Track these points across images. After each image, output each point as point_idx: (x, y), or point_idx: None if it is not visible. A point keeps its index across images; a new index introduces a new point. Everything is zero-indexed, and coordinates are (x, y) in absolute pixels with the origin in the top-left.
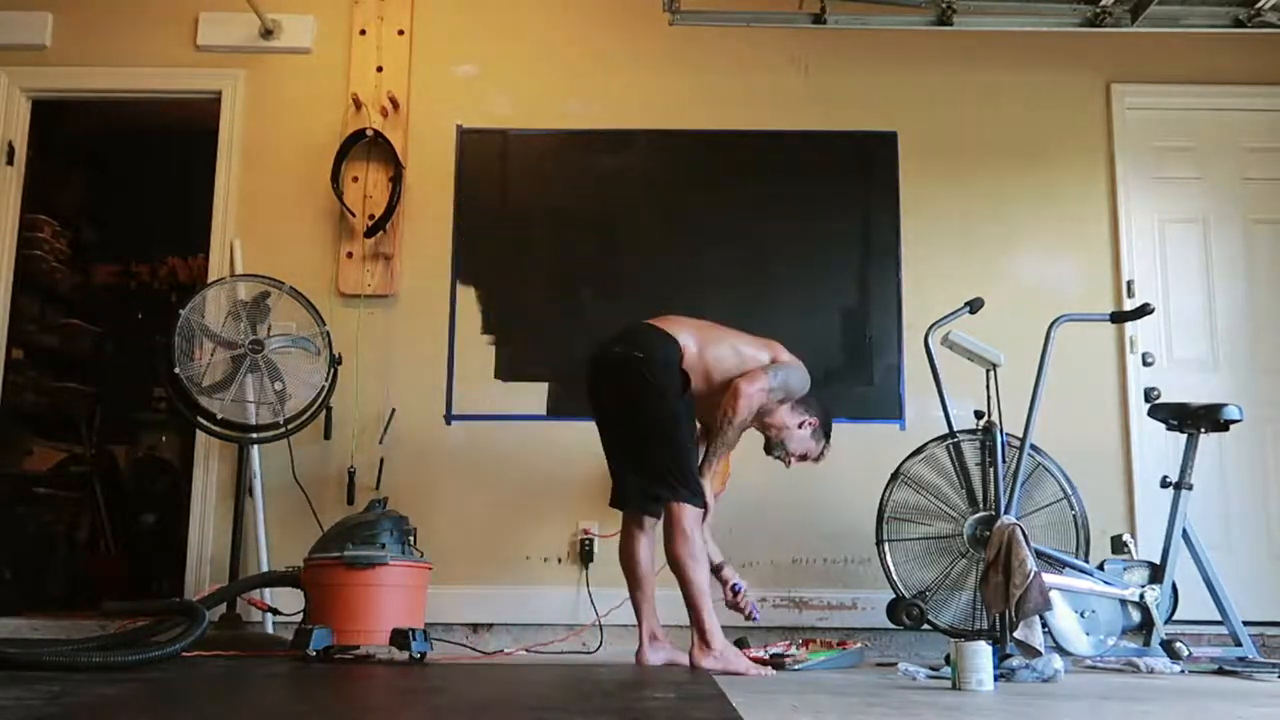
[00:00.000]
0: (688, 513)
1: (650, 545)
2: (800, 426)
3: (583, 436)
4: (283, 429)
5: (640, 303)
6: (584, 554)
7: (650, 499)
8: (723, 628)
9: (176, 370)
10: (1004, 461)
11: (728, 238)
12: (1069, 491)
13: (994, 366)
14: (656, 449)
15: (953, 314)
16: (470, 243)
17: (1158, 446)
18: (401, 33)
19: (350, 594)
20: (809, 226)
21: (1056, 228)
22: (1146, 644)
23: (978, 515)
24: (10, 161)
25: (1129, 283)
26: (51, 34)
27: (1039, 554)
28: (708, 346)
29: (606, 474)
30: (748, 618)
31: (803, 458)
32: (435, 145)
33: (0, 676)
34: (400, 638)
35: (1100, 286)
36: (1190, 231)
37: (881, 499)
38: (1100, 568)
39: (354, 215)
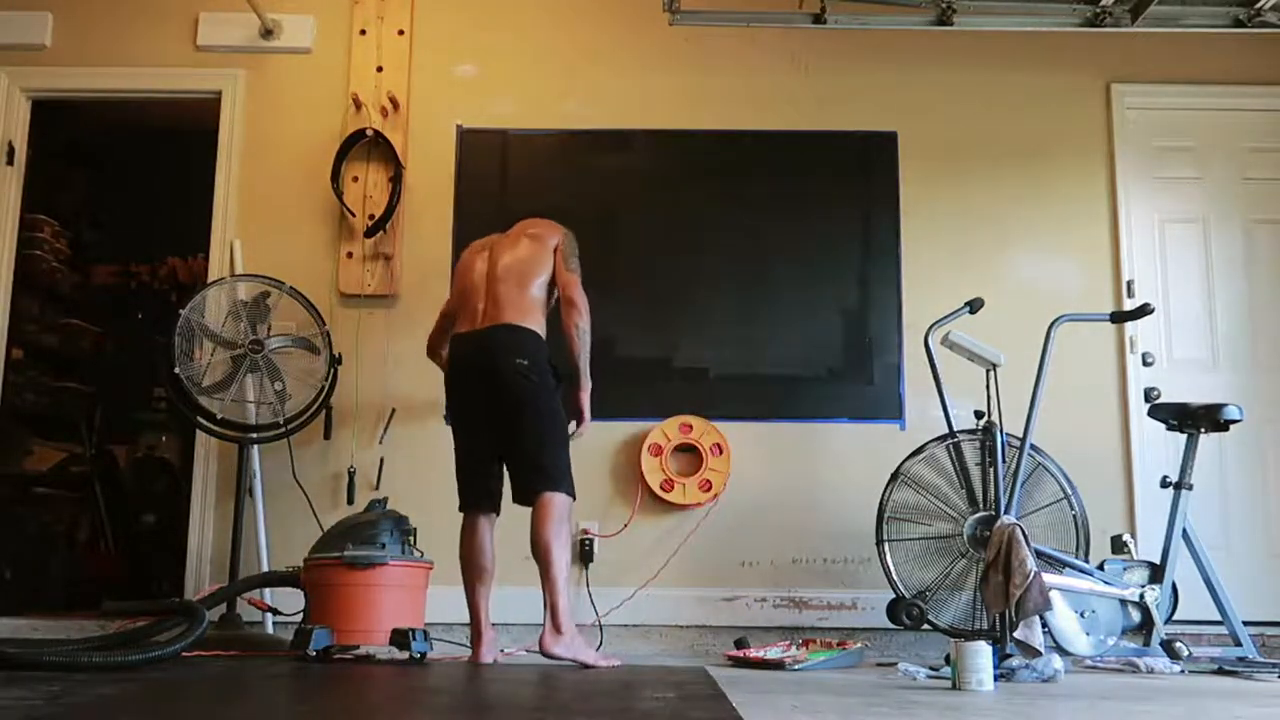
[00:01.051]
0: (567, 503)
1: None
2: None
3: (583, 436)
4: (283, 429)
5: (640, 302)
6: (584, 554)
7: (531, 492)
8: (720, 628)
9: (176, 370)
10: (1004, 461)
11: (728, 237)
12: (1069, 491)
13: (994, 366)
14: (543, 446)
15: (953, 314)
16: (470, 243)
17: (1158, 446)
18: (401, 33)
19: (350, 594)
20: (809, 226)
21: (1056, 228)
22: (1146, 644)
23: (978, 515)
24: (10, 161)
25: (1129, 283)
26: (51, 34)
27: (1039, 554)
28: (538, 301)
29: (607, 474)
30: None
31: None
32: (435, 145)
33: (0, 676)
34: (400, 638)
35: (1100, 286)
36: (1190, 231)
37: (881, 499)
38: (1100, 568)
39: (354, 215)
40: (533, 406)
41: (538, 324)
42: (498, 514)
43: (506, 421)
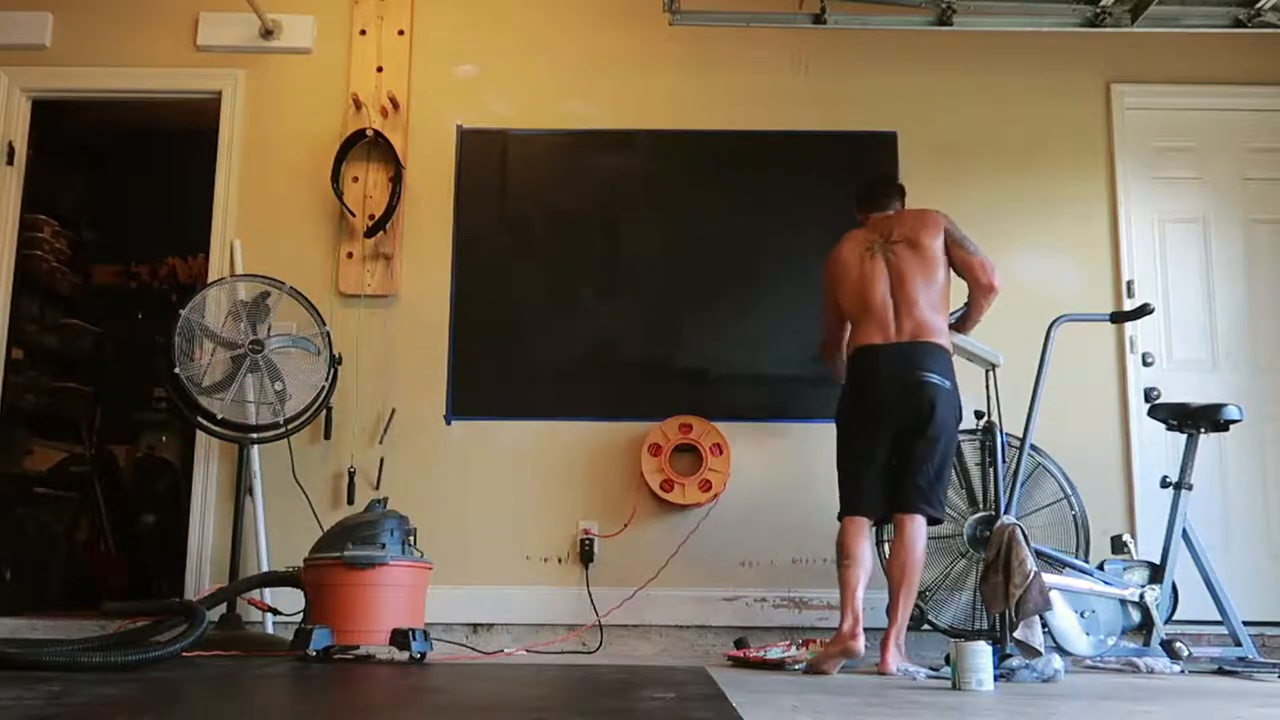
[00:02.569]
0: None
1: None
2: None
3: (583, 436)
4: (283, 429)
5: (640, 302)
6: (584, 554)
7: (919, 505)
8: (720, 628)
9: (176, 370)
10: (1004, 461)
11: (728, 237)
12: (1069, 491)
13: (994, 366)
14: (945, 466)
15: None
16: (470, 243)
17: (1158, 446)
18: (401, 33)
19: (350, 594)
20: (809, 226)
21: (1056, 227)
22: (1146, 644)
23: (978, 515)
24: (10, 161)
25: (1129, 283)
26: (51, 34)
27: (1039, 554)
28: (944, 326)
29: (607, 473)
30: None
31: None
32: (435, 145)
33: (0, 676)
34: (400, 638)
35: (1100, 286)
36: (1190, 231)
37: None
38: (1100, 568)
39: (354, 215)
40: (945, 430)
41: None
42: (920, 515)
43: (915, 432)
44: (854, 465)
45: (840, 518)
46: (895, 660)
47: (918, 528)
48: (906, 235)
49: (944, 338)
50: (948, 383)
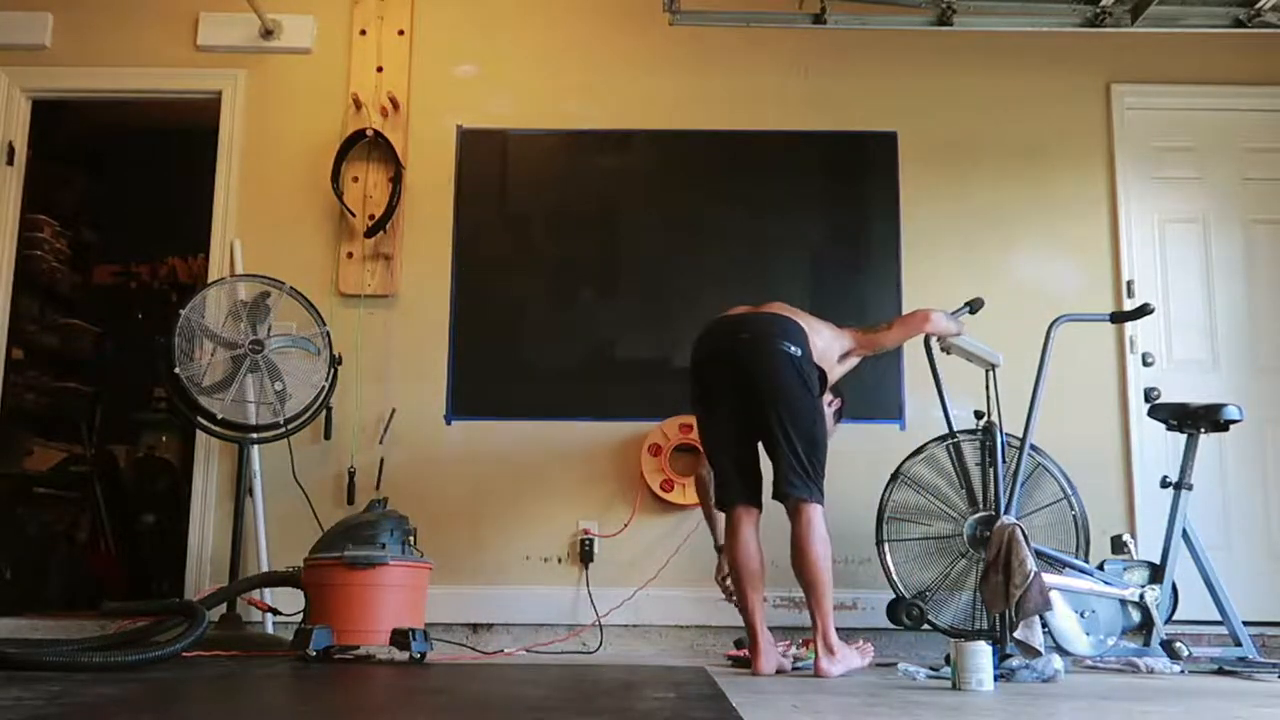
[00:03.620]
0: (821, 514)
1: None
2: (829, 405)
3: (583, 436)
4: (283, 429)
5: (640, 302)
6: (584, 554)
7: (786, 492)
8: (720, 628)
9: (177, 370)
10: (1004, 461)
11: (728, 238)
12: (1069, 491)
13: (993, 367)
14: (801, 445)
15: (953, 314)
16: (470, 243)
17: (1158, 446)
18: (401, 33)
19: (350, 594)
20: (809, 226)
21: (1057, 228)
22: (1146, 644)
23: (978, 515)
24: (10, 161)
25: (1129, 283)
26: (51, 34)
27: (1039, 554)
28: (813, 336)
29: (606, 474)
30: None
31: None
32: (435, 145)
33: (0, 676)
34: (400, 638)
35: (1100, 286)
36: (1190, 231)
37: (881, 499)
38: (1100, 568)
39: (354, 215)
40: (794, 399)
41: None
42: (780, 501)
43: (759, 408)
44: (712, 455)
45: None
46: (827, 663)
47: (803, 516)
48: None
49: (792, 313)
50: (795, 349)
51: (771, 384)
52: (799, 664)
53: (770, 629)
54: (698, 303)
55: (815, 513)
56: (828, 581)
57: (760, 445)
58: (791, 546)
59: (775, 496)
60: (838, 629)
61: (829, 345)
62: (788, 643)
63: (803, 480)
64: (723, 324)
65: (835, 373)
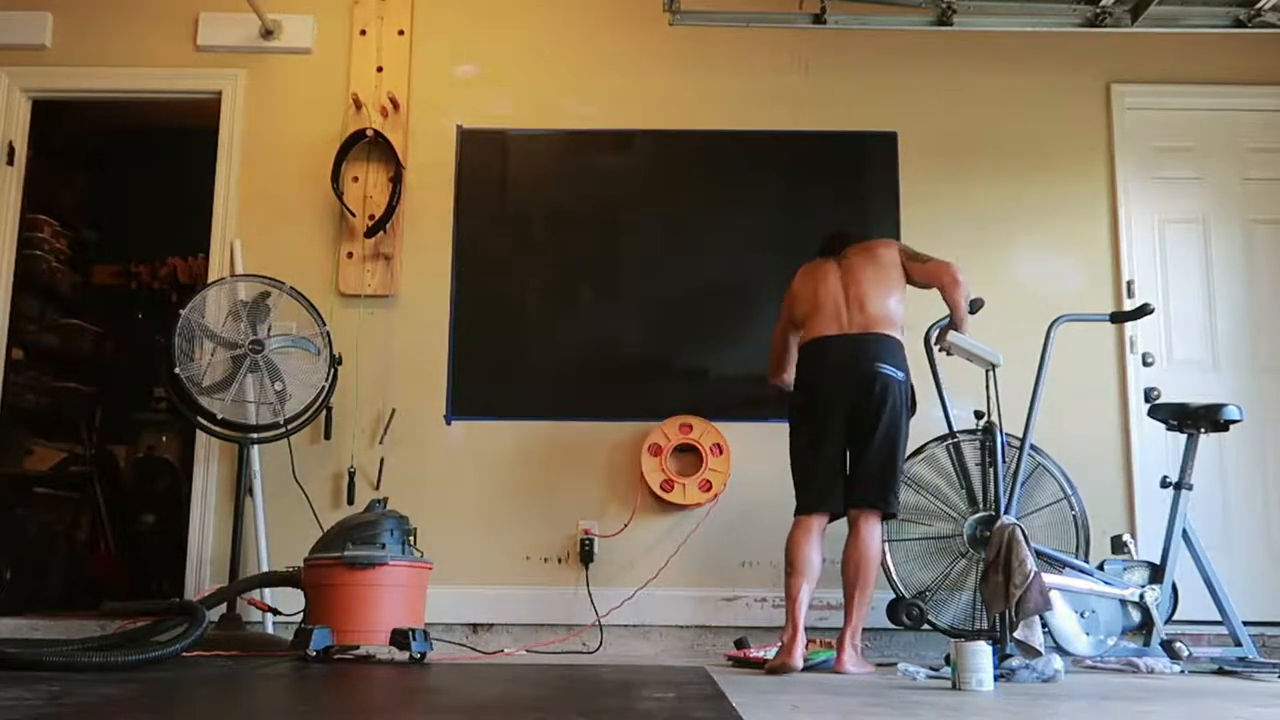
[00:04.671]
0: (882, 529)
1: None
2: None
3: (583, 436)
4: (283, 429)
5: (640, 302)
6: (584, 554)
7: (875, 502)
8: (720, 628)
9: (177, 370)
10: (1004, 461)
11: (728, 237)
12: (1069, 491)
13: (994, 366)
14: (893, 463)
15: (942, 320)
16: (470, 243)
17: (1158, 446)
18: (401, 33)
19: (350, 594)
20: (809, 226)
21: (1056, 228)
22: (1146, 644)
23: (978, 515)
24: (10, 161)
25: (1129, 283)
26: (51, 34)
27: (1039, 554)
28: (898, 322)
29: (607, 474)
30: None
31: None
32: (435, 145)
33: (0, 676)
34: (400, 638)
35: (1100, 286)
36: (1190, 231)
37: None
38: (1100, 568)
39: (354, 215)
40: (896, 424)
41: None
42: (874, 512)
43: (868, 426)
44: (806, 461)
45: (796, 515)
46: (851, 662)
47: (871, 525)
48: (859, 249)
49: (897, 330)
50: (900, 374)
51: (881, 409)
52: (807, 661)
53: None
54: (698, 302)
55: (879, 521)
56: (875, 581)
57: (849, 457)
58: (853, 546)
59: (859, 504)
60: (839, 628)
61: (900, 299)
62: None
63: (893, 494)
64: (834, 344)
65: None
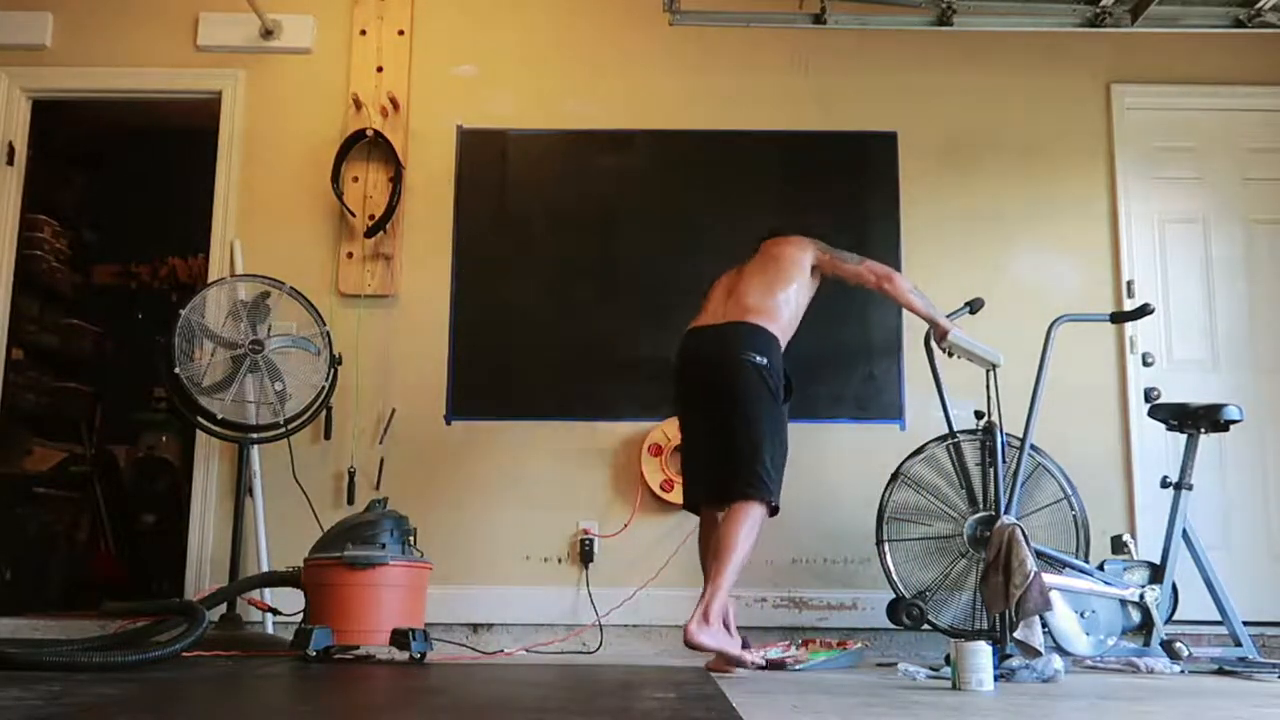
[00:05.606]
0: (762, 512)
1: None
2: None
3: (583, 436)
4: (283, 429)
5: (640, 302)
6: (584, 554)
7: (744, 493)
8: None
9: (177, 370)
10: (1004, 461)
11: (727, 238)
12: (1069, 491)
13: (994, 367)
14: (762, 449)
15: (953, 314)
16: (470, 243)
17: (1158, 446)
18: (401, 33)
19: (350, 594)
20: (809, 226)
21: (1056, 227)
22: (1146, 644)
23: (978, 515)
24: (10, 161)
25: (1129, 283)
26: (51, 34)
27: (1039, 554)
28: (781, 317)
29: (606, 474)
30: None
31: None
32: (435, 145)
33: (0, 676)
34: (400, 638)
35: (1100, 286)
36: (1190, 231)
37: (881, 499)
38: (1100, 568)
39: (354, 215)
40: (759, 408)
41: (776, 331)
42: (727, 504)
43: (727, 416)
44: (684, 455)
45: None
46: (699, 632)
47: (738, 511)
48: (768, 245)
49: (766, 319)
50: (758, 358)
51: (737, 394)
52: (798, 666)
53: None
54: (697, 303)
55: (756, 508)
56: (739, 559)
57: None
58: (721, 523)
59: (731, 497)
60: (839, 628)
61: (797, 301)
62: (787, 643)
63: (759, 483)
64: (697, 334)
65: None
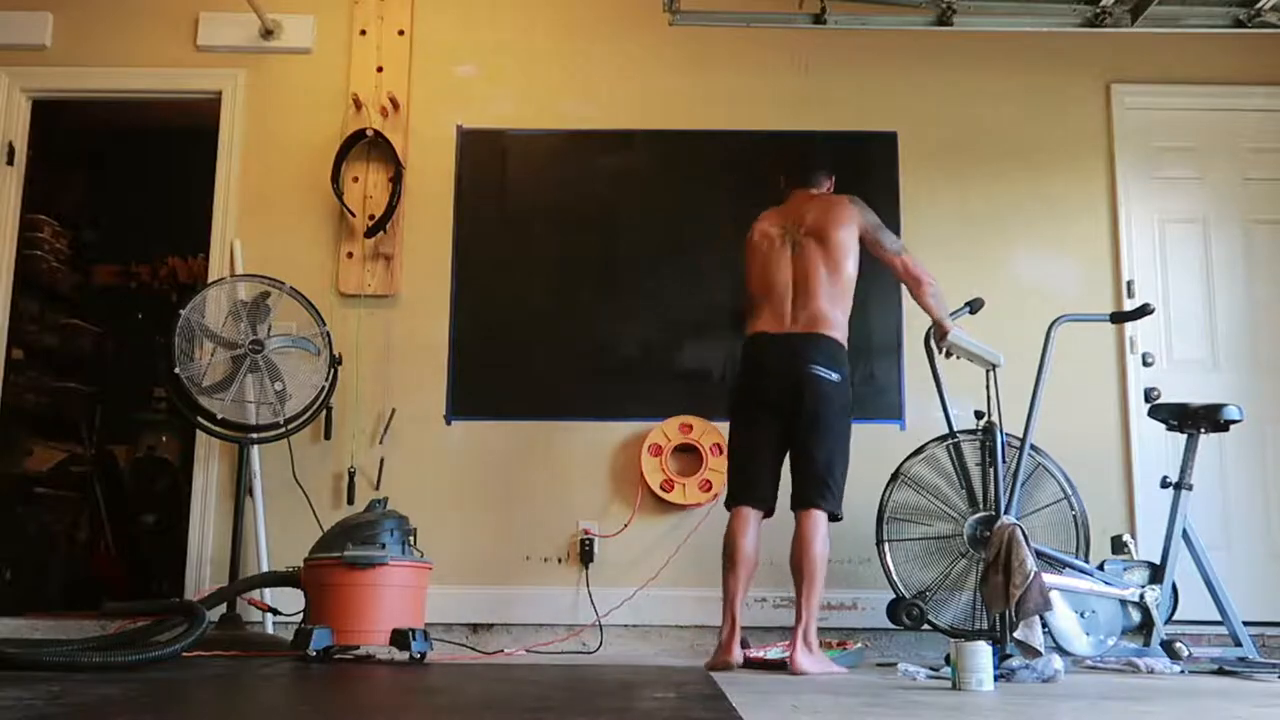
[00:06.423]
0: (827, 524)
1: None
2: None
3: (583, 436)
4: (283, 429)
5: (640, 302)
6: (584, 554)
7: (814, 499)
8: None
9: (177, 370)
10: (1004, 461)
11: (727, 238)
12: (1069, 491)
13: (994, 367)
14: (834, 459)
15: (953, 314)
16: (470, 243)
17: (1158, 446)
18: (401, 33)
19: (350, 594)
20: None
21: (1056, 228)
22: (1146, 644)
23: (978, 515)
24: (10, 161)
25: (1129, 283)
26: (51, 34)
27: (1039, 554)
28: (846, 316)
29: (606, 474)
30: None
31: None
32: (435, 145)
33: (0, 676)
34: (400, 638)
35: (1100, 286)
36: (1190, 231)
37: (881, 499)
38: (1100, 568)
39: (354, 215)
40: (834, 420)
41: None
42: (805, 510)
43: (802, 422)
44: (741, 454)
45: (727, 507)
46: (805, 659)
47: (814, 523)
48: (816, 227)
49: (838, 330)
50: (834, 375)
51: (812, 409)
52: None
53: (770, 629)
54: (697, 302)
55: (824, 519)
56: (822, 580)
57: (788, 456)
58: (797, 542)
59: (799, 505)
60: (839, 628)
61: (853, 281)
62: (787, 643)
63: (831, 495)
64: (768, 342)
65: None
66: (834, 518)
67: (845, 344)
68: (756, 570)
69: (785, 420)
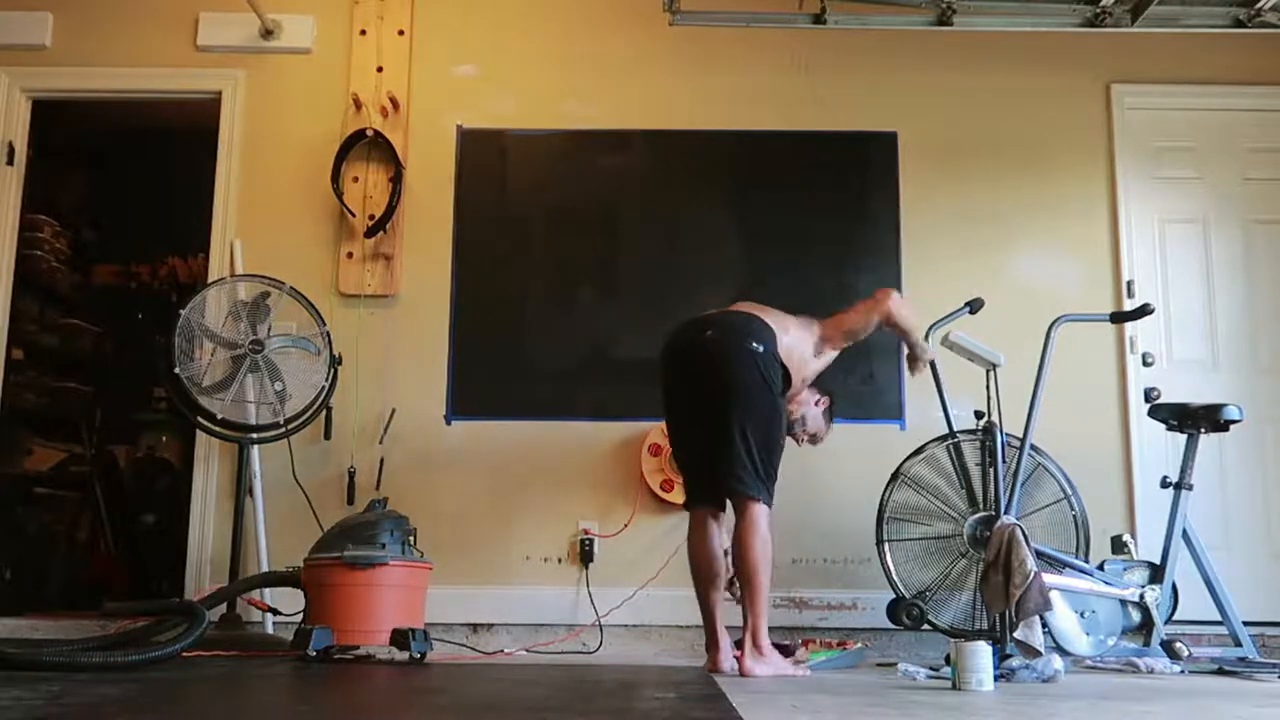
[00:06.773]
0: (767, 515)
1: (721, 541)
2: (816, 404)
3: (583, 436)
4: (283, 429)
5: (640, 302)
6: (584, 554)
7: (734, 488)
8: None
9: (177, 370)
10: (1004, 461)
11: (727, 238)
12: (1069, 491)
13: (994, 367)
14: (756, 442)
15: (953, 314)
16: (470, 243)
17: (1158, 446)
18: (401, 33)
19: (350, 594)
20: (808, 227)
21: (1056, 228)
22: (1146, 644)
23: (978, 515)
24: (10, 161)
25: (1129, 283)
26: (51, 34)
27: (1039, 554)
28: (781, 335)
29: (606, 474)
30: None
31: (812, 437)
32: (435, 145)
33: (0, 676)
34: (400, 638)
35: (1100, 286)
36: (1190, 231)
37: (881, 499)
38: (1100, 568)
39: (354, 215)
40: (752, 398)
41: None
42: (721, 509)
43: (717, 407)
44: (678, 455)
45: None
46: (753, 664)
47: (746, 517)
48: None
49: (760, 310)
50: (750, 344)
51: (731, 380)
52: (806, 661)
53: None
54: (698, 303)
55: (761, 513)
56: (764, 582)
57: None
58: (733, 543)
59: (723, 492)
60: (839, 628)
61: (797, 341)
62: (787, 643)
63: (753, 478)
64: (689, 323)
65: (812, 368)
66: (756, 501)
67: (771, 331)
68: (727, 572)
69: (703, 403)
